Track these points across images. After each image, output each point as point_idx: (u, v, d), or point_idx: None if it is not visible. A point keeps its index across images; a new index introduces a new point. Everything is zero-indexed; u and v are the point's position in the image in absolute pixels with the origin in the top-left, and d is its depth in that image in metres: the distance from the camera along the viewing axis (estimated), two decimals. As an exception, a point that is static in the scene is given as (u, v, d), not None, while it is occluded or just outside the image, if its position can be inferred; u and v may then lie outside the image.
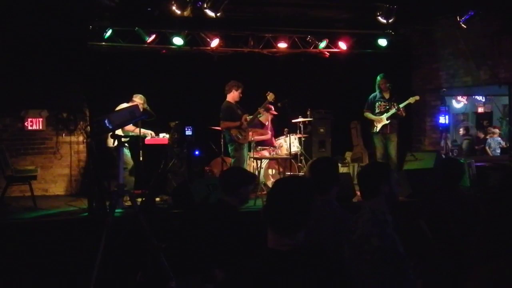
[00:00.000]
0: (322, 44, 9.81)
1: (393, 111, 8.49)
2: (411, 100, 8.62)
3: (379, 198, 2.93)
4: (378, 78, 8.66)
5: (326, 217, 3.25)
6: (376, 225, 2.85)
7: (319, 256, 2.00)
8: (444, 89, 10.11)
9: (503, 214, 2.35)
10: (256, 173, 8.26)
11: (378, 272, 2.74)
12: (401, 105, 8.50)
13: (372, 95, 8.75)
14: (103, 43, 8.69)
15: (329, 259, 2.01)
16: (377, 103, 8.66)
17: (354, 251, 2.82)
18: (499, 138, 12.83)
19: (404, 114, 8.61)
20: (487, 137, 13.50)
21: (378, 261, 2.75)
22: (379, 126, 8.59)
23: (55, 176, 8.77)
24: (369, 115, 8.71)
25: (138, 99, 7.56)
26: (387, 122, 8.53)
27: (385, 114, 8.56)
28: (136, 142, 7.30)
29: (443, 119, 9.67)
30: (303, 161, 8.90)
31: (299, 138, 8.96)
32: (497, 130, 13.15)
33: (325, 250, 2.11)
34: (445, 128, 9.91)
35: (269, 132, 8.99)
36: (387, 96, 8.65)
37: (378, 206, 2.91)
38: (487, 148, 12.79)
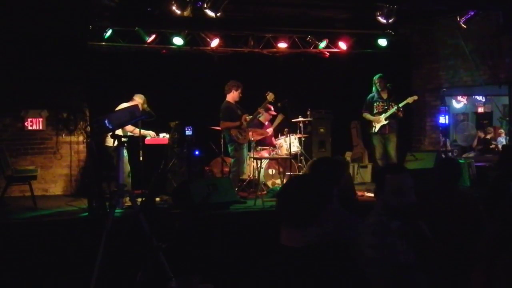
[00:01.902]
0: (322, 44, 9.82)
1: (392, 111, 8.49)
2: (410, 100, 8.61)
3: (380, 201, 2.89)
4: (375, 77, 8.66)
5: (328, 217, 3.24)
6: (376, 233, 2.76)
7: (332, 252, 2.02)
8: (444, 89, 10.12)
9: (501, 214, 2.36)
10: (256, 173, 8.27)
11: (375, 282, 2.66)
12: (400, 105, 8.50)
13: (370, 95, 8.75)
14: (103, 43, 8.69)
15: (343, 256, 2.04)
16: (375, 104, 8.66)
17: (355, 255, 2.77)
18: (502, 138, 12.90)
19: (401, 115, 8.60)
20: (488, 136, 13.55)
21: (373, 272, 2.66)
22: (377, 127, 8.59)
23: (55, 176, 8.77)
24: (367, 115, 8.71)
25: (138, 99, 7.56)
26: (386, 122, 8.52)
27: (383, 114, 8.55)
28: (135, 142, 7.30)
29: (443, 119, 9.68)
30: (303, 161, 8.89)
31: (299, 138, 8.96)
32: (502, 130, 13.21)
33: (339, 247, 2.13)
34: (445, 129, 9.92)
35: (269, 132, 8.99)
36: (385, 96, 8.65)
37: (384, 208, 2.84)
38: (499, 146, 12.83)
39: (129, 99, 7.60)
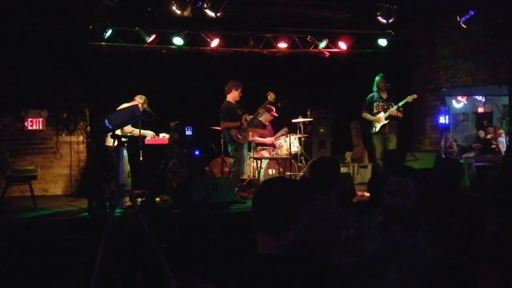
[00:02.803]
0: (322, 44, 9.82)
1: (391, 110, 8.48)
2: (409, 98, 8.60)
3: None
4: (377, 77, 8.65)
5: (327, 217, 3.25)
6: (357, 220, 2.85)
7: (310, 259, 1.94)
8: (444, 89, 10.12)
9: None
10: (256, 173, 8.27)
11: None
12: (400, 104, 8.50)
13: (370, 95, 8.74)
14: (103, 43, 8.69)
15: (321, 262, 1.95)
16: (375, 103, 8.65)
17: None
18: (503, 138, 12.92)
19: (401, 115, 8.59)
20: (488, 136, 13.54)
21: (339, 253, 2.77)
22: (378, 126, 8.58)
23: (55, 176, 8.77)
24: (367, 115, 8.70)
25: (139, 99, 7.57)
26: (386, 122, 8.52)
27: (383, 114, 8.55)
28: (136, 142, 7.30)
29: (443, 119, 9.67)
30: (303, 161, 8.90)
31: (299, 138, 8.96)
32: (502, 131, 13.22)
33: (317, 252, 2.05)
34: (445, 128, 9.91)
35: (268, 133, 8.98)
36: (384, 96, 8.64)
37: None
38: (500, 146, 12.84)
39: (130, 99, 7.59)
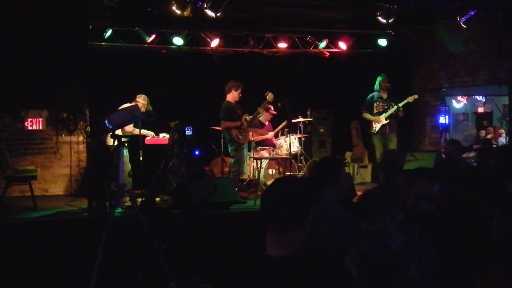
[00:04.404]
0: (322, 44, 9.81)
1: (392, 110, 8.49)
2: (410, 99, 8.60)
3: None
4: (380, 77, 8.64)
5: (326, 217, 3.24)
6: (379, 215, 2.87)
7: (318, 262, 1.93)
8: (444, 89, 10.11)
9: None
10: (256, 173, 8.27)
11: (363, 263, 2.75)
12: (400, 104, 8.50)
13: (370, 95, 8.74)
14: (103, 43, 8.69)
15: (329, 265, 1.95)
16: (375, 103, 8.65)
17: None
18: (503, 138, 12.91)
19: (402, 115, 8.59)
20: (489, 136, 13.53)
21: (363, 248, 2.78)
22: (378, 126, 8.58)
23: (55, 176, 8.77)
24: (367, 115, 8.70)
25: (142, 100, 7.54)
26: (386, 122, 8.52)
27: (384, 114, 8.55)
28: (136, 142, 7.30)
29: (443, 119, 9.67)
30: (303, 161, 8.90)
31: (299, 138, 8.96)
32: (502, 131, 13.21)
33: (325, 254, 2.04)
34: (445, 128, 9.91)
35: (269, 132, 8.99)
36: (385, 96, 8.65)
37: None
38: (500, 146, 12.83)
39: (131, 99, 7.58)
